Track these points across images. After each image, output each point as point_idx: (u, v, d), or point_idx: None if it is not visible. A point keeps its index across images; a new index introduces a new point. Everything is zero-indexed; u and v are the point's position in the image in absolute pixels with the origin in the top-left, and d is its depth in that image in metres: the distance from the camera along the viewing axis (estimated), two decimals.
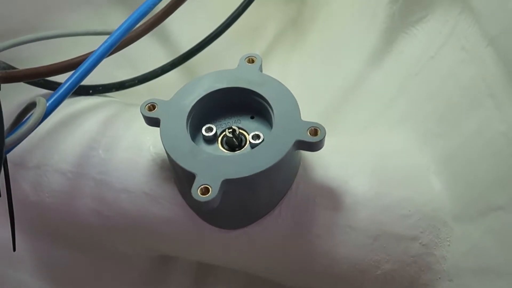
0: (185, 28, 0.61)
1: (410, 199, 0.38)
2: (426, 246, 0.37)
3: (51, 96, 0.35)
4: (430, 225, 0.37)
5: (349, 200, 0.38)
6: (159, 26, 0.47)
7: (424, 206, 0.38)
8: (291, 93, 0.37)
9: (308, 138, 0.33)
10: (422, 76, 0.43)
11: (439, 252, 0.37)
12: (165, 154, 0.39)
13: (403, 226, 0.37)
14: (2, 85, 0.35)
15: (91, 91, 0.48)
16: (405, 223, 0.37)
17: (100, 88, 0.48)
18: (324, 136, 0.33)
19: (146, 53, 0.57)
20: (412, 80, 0.45)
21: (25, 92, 0.46)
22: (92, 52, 0.39)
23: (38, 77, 0.39)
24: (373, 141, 0.44)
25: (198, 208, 0.39)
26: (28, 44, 0.43)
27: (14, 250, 0.39)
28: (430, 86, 0.42)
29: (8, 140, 0.32)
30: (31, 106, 0.35)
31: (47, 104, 0.34)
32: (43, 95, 0.46)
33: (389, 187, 0.38)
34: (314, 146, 0.34)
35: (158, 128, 0.36)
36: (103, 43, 0.38)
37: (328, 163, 0.39)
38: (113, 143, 0.42)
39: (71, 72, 0.38)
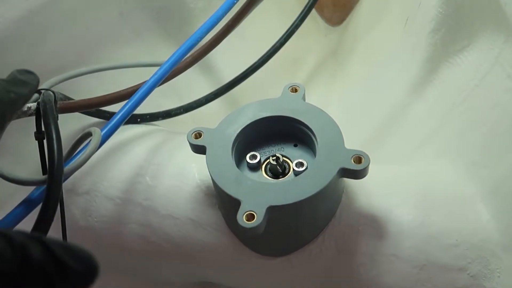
0: (228, 60, 0.63)
1: (456, 228, 0.37)
2: (475, 277, 0.36)
3: (105, 126, 0.37)
4: (478, 255, 0.36)
5: (394, 229, 0.38)
6: (204, 58, 0.49)
7: (472, 236, 0.37)
8: (334, 121, 0.37)
9: (352, 166, 0.34)
10: (466, 105, 0.43)
11: (488, 284, 0.36)
12: (210, 181, 0.40)
13: (450, 256, 0.36)
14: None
15: (139, 120, 0.50)
16: (452, 253, 0.36)
17: (148, 117, 0.50)
18: (368, 164, 0.33)
19: (191, 83, 0.59)
20: (456, 109, 0.44)
21: (77, 121, 0.48)
22: (142, 83, 0.41)
23: (92, 107, 0.41)
24: (417, 170, 0.44)
25: (242, 235, 0.39)
26: (81, 76, 0.45)
27: None
28: (474, 116, 0.42)
29: (66, 169, 0.34)
30: (86, 136, 0.36)
31: (102, 133, 0.36)
32: (95, 124, 0.48)
33: (434, 216, 0.38)
34: (358, 174, 0.34)
35: (203, 156, 0.37)
36: (153, 75, 0.40)
37: (372, 192, 0.39)
38: (159, 170, 0.44)
39: (122, 102, 0.40)
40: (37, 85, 0.26)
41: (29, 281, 0.18)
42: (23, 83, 0.24)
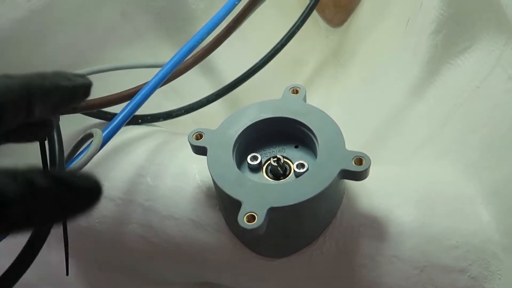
0: (229, 61, 0.63)
1: (457, 229, 0.37)
2: (475, 279, 0.36)
3: (107, 127, 0.37)
4: (479, 257, 0.36)
5: (394, 230, 0.38)
6: (205, 59, 0.49)
7: (473, 237, 0.37)
8: (335, 122, 0.37)
9: (353, 167, 0.34)
10: (467, 106, 0.43)
11: (489, 286, 0.36)
12: (211, 182, 0.40)
13: (451, 257, 0.36)
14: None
15: (140, 121, 0.50)
16: (452, 254, 0.36)
17: (149, 117, 0.50)
18: (369, 166, 0.33)
19: (192, 84, 0.59)
20: (457, 110, 0.44)
21: (79, 122, 0.48)
22: (144, 84, 0.41)
23: (94, 108, 0.41)
24: (417, 171, 0.44)
25: (243, 236, 0.39)
26: None
27: (67, 274, 0.41)
28: (475, 117, 0.42)
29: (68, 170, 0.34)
30: (87, 137, 0.36)
31: (103, 135, 0.36)
32: (96, 125, 0.48)
33: (435, 217, 0.38)
34: (359, 176, 0.34)
35: (203, 157, 0.37)
36: (155, 76, 0.40)
37: (373, 193, 0.39)
38: (160, 171, 0.44)
39: (124, 103, 0.40)
40: (85, 86, 0.24)
41: (42, 201, 0.18)
42: (68, 79, 0.22)
